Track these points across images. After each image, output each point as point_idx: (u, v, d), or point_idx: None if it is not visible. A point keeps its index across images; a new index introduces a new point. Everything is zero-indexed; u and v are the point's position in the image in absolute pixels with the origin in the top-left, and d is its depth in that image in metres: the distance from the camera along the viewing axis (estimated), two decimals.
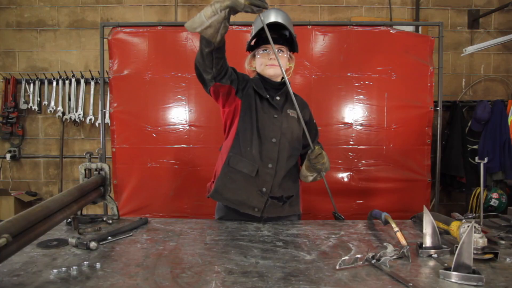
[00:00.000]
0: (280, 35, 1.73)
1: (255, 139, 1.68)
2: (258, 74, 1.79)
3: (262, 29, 1.61)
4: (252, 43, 1.79)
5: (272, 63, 1.71)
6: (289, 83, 1.71)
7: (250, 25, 2.87)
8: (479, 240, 1.16)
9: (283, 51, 1.75)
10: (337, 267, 1.09)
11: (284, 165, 1.72)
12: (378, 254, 1.13)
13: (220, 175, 1.72)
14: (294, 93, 1.73)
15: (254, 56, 1.80)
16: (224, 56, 1.53)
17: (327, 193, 2.84)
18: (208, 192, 1.78)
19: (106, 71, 3.03)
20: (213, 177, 1.81)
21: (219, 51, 1.48)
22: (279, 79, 1.78)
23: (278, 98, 1.76)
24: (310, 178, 1.79)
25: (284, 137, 1.71)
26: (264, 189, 1.68)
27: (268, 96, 1.73)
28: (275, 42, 1.69)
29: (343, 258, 1.10)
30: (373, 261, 1.12)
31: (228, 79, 1.60)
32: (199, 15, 1.38)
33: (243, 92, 1.71)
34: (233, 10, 1.37)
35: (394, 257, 1.15)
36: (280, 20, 1.67)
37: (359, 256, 1.13)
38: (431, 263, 1.15)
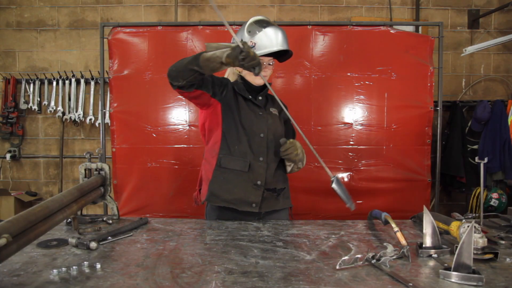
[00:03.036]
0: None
1: (243, 136, 1.73)
2: (242, 77, 1.82)
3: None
4: None
5: (264, 75, 1.73)
6: (270, 84, 1.75)
7: None
8: (479, 240, 1.16)
9: (271, 64, 1.80)
10: (337, 267, 1.09)
11: (273, 158, 1.78)
12: (378, 254, 1.14)
13: (212, 178, 1.75)
14: (272, 96, 1.85)
15: None
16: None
17: (327, 194, 2.85)
18: (196, 202, 1.86)
19: (106, 71, 3.03)
20: (197, 185, 1.87)
21: (202, 76, 1.54)
22: (261, 84, 1.82)
23: (260, 98, 1.83)
24: (289, 168, 1.83)
25: (270, 132, 1.78)
26: (259, 182, 1.73)
27: (250, 96, 1.80)
28: (270, 56, 1.77)
29: (343, 258, 1.10)
30: (373, 261, 1.13)
31: (195, 87, 1.62)
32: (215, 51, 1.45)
33: (222, 95, 1.74)
34: (231, 59, 1.40)
35: (394, 257, 1.15)
36: (286, 46, 1.73)
37: (359, 256, 1.13)
38: (431, 263, 1.15)
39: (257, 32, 1.72)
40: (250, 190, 1.72)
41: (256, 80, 1.79)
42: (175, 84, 1.59)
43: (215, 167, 1.75)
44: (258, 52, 1.69)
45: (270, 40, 1.70)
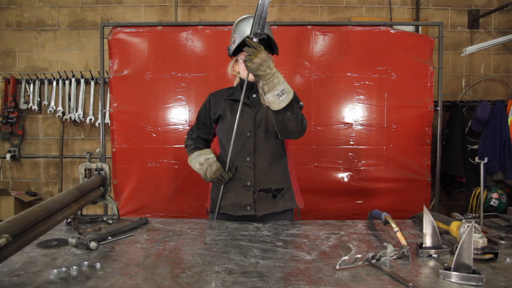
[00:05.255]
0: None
1: (229, 139, 1.72)
2: (241, 78, 1.83)
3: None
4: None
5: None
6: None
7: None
8: (479, 240, 1.15)
9: None
10: (337, 267, 1.09)
11: (263, 156, 1.75)
12: (378, 254, 1.14)
13: (212, 186, 1.84)
14: None
15: (236, 61, 1.83)
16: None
17: (327, 193, 2.87)
18: (207, 211, 1.89)
19: (106, 71, 3.03)
20: (208, 193, 1.90)
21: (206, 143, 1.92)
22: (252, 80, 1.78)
23: (254, 95, 1.80)
24: (261, 92, 1.52)
25: (259, 128, 1.74)
26: (248, 183, 1.72)
27: (242, 96, 1.76)
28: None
29: (343, 258, 1.10)
30: (373, 261, 1.13)
31: (210, 140, 1.95)
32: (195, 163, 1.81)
33: (214, 118, 1.84)
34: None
35: (394, 257, 1.15)
36: (248, 29, 1.65)
37: (359, 256, 1.13)
38: (431, 263, 1.15)
39: (236, 27, 1.74)
40: (241, 193, 1.72)
41: (245, 75, 1.74)
42: None
43: None
44: (236, 44, 1.70)
45: (243, 29, 1.69)
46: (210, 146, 1.93)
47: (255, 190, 1.72)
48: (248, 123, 1.74)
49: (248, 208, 1.71)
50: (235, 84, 1.92)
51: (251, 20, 1.65)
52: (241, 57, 1.77)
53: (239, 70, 1.81)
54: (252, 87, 1.81)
